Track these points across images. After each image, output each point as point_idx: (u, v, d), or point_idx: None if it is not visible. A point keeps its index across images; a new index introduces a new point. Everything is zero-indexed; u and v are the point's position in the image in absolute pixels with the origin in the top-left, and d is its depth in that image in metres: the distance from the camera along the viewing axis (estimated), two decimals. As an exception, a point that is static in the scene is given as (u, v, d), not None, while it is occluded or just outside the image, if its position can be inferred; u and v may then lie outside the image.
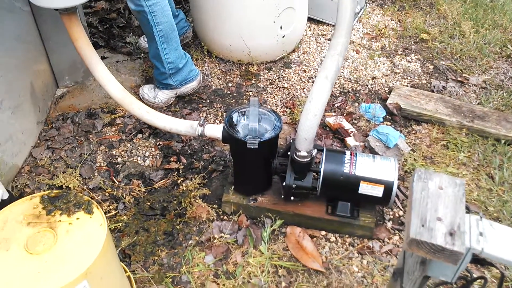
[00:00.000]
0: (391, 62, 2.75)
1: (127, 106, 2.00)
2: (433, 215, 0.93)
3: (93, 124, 2.27)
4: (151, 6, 2.07)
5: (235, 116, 1.79)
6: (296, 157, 1.68)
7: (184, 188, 1.99)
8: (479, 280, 1.03)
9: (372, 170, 1.68)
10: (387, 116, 2.37)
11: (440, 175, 1.00)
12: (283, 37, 2.60)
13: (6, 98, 1.96)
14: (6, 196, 1.59)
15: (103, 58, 2.69)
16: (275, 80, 2.61)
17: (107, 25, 2.94)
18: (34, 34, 2.24)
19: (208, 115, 2.38)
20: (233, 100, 2.48)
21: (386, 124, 2.31)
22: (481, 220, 0.95)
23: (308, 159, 1.68)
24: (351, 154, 1.74)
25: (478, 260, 0.94)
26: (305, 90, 2.54)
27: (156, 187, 2.01)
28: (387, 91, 2.54)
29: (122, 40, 2.85)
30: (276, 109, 2.43)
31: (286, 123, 2.31)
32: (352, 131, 2.23)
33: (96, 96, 2.45)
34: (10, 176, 1.99)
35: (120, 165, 2.12)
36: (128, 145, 2.21)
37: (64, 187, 1.96)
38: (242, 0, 2.41)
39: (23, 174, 2.05)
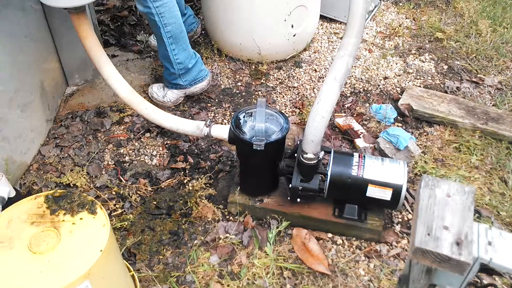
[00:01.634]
0: (404, 62, 2.69)
1: (135, 106, 2.00)
2: (440, 224, 0.90)
3: (102, 123, 2.28)
4: (158, 7, 2.06)
5: (242, 116, 1.77)
6: (302, 159, 1.66)
7: (190, 188, 1.98)
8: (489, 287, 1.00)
9: (381, 173, 1.65)
10: (398, 117, 2.32)
11: (448, 182, 0.97)
12: (294, 35, 2.57)
13: (16, 96, 1.97)
14: (13, 194, 1.61)
15: (113, 56, 2.70)
16: (285, 79, 2.58)
17: (118, 23, 2.95)
18: (45, 32, 2.25)
19: (217, 115, 2.37)
20: (242, 99, 2.46)
21: (397, 126, 2.26)
22: (490, 229, 0.92)
23: (315, 161, 1.66)
24: (359, 157, 1.71)
25: (487, 270, 0.91)
26: (315, 90, 2.51)
27: (163, 187, 2.01)
28: (399, 92, 2.49)
29: (132, 38, 2.86)
30: (285, 109, 2.40)
31: (294, 123, 2.28)
32: (362, 132, 2.19)
33: (105, 95, 2.45)
34: (18, 174, 2.01)
35: (128, 164, 2.11)
36: (136, 144, 2.20)
37: (72, 185, 1.97)
38: (253, -2, 2.38)
39: (31, 172, 2.06)
